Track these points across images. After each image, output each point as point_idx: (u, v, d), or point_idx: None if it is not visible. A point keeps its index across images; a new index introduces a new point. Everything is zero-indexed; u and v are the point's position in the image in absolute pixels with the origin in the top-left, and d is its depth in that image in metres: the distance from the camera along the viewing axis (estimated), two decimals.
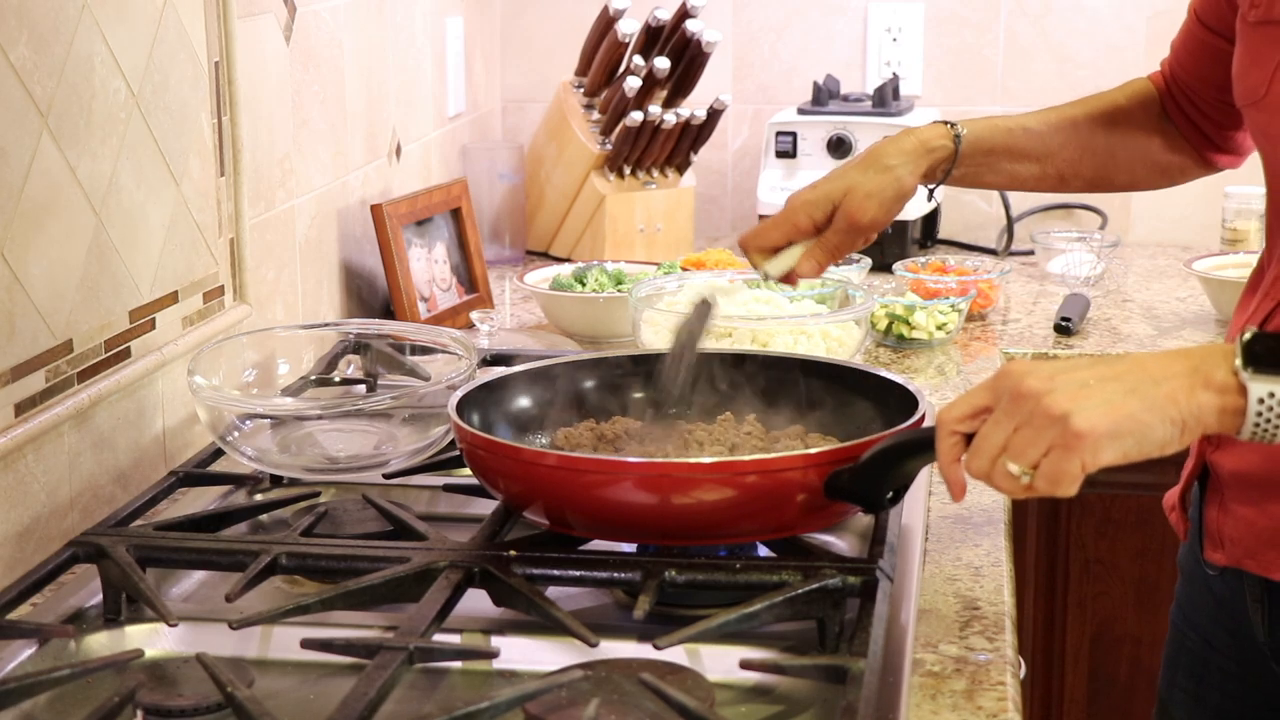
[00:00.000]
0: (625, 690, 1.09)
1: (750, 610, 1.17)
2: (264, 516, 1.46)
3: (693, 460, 1.26)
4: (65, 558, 1.29)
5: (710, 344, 1.83)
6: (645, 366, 1.51)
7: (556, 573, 1.25)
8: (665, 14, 2.52)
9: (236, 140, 1.75)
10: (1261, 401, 1.11)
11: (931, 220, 2.73)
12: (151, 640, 1.23)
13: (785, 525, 1.27)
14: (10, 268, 1.33)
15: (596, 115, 2.60)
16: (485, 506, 1.37)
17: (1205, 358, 1.13)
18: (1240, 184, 2.51)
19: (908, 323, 2.13)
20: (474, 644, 1.22)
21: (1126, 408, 1.10)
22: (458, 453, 1.50)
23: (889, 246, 2.54)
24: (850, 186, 1.54)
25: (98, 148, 1.47)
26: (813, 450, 1.30)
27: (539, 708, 1.06)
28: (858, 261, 2.30)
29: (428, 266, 2.27)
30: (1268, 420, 1.12)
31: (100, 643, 1.24)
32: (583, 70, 2.65)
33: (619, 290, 2.17)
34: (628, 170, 2.60)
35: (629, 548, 1.30)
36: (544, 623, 1.19)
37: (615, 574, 1.24)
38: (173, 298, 1.63)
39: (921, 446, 1.23)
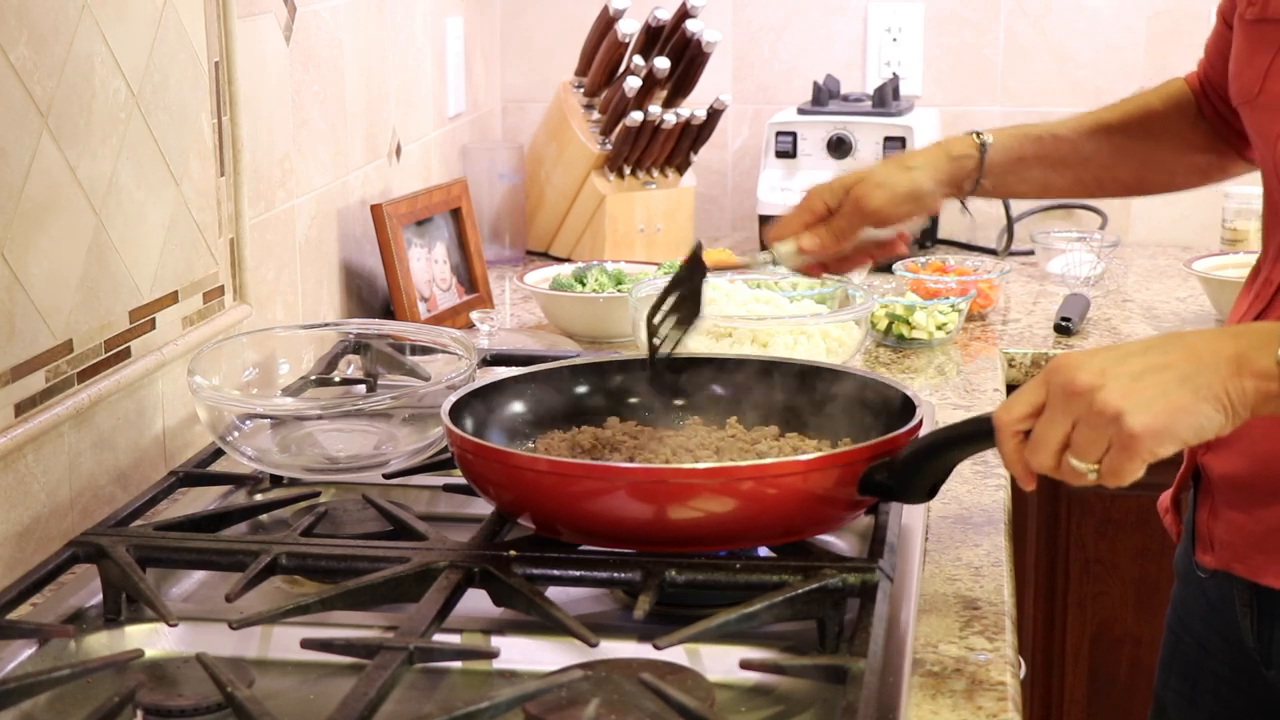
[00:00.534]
0: (625, 690, 1.09)
1: (750, 610, 1.17)
2: (264, 516, 1.46)
3: (688, 466, 1.26)
4: (65, 558, 1.29)
5: (708, 345, 1.83)
6: (644, 371, 1.50)
7: (556, 573, 1.25)
8: (665, 14, 2.52)
9: (236, 140, 1.75)
10: None
11: (932, 220, 2.73)
12: (151, 640, 1.23)
13: (786, 531, 1.26)
14: (10, 268, 1.33)
15: (596, 115, 2.60)
16: (485, 506, 1.37)
17: (1252, 341, 1.12)
18: (1240, 184, 2.51)
19: (908, 323, 2.13)
20: (474, 644, 1.22)
21: (1179, 400, 1.10)
22: None
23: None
24: (864, 176, 1.56)
25: (98, 148, 1.47)
26: (811, 456, 1.30)
27: (539, 708, 1.06)
28: None
29: (428, 266, 2.27)
30: None
31: (100, 643, 1.24)
32: (583, 70, 2.65)
33: (619, 290, 2.17)
34: (628, 170, 2.60)
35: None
36: (544, 623, 1.19)
37: (615, 574, 1.24)
38: (173, 298, 1.63)
39: (966, 440, 1.25)
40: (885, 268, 2.42)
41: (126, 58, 1.52)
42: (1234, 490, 1.41)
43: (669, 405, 1.50)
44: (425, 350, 1.70)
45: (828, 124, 2.62)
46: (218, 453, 1.57)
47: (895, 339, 2.14)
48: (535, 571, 1.24)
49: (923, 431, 1.30)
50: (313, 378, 1.68)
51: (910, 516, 1.42)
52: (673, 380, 1.50)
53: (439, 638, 1.17)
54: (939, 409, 1.85)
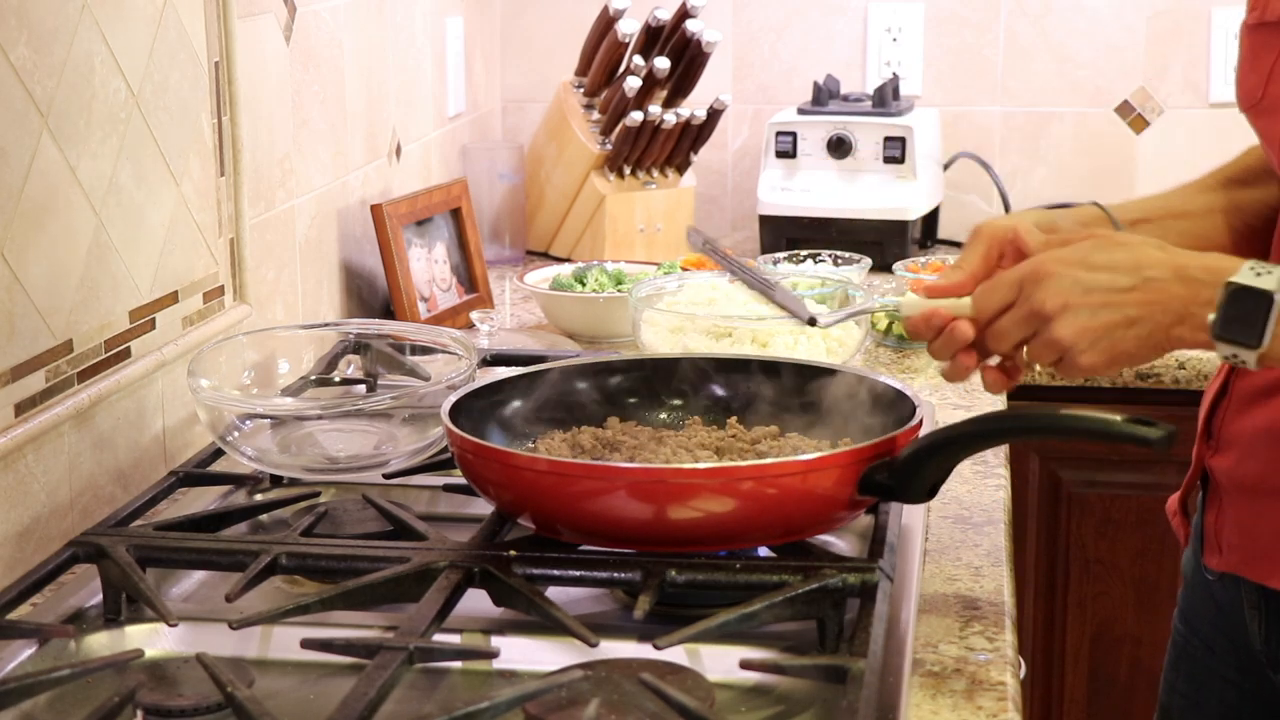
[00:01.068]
0: (625, 690, 1.09)
1: (750, 610, 1.17)
2: (264, 516, 1.46)
3: (688, 466, 1.26)
4: (65, 558, 1.29)
5: (707, 345, 1.83)
6: (644, 371, 1.51)
7: (556, 573, 1.25)
8: (665, 14, 2.52)
9: (236, 140, 1.75)
10: (1228, 358, 1.20)
11: (931, 220, 2.73)
12: (151, 640, 1.23)
13: (786, 531, 1.26)
14: (10, 268, 1.33)
15: (596, 115, 2.60)
16: (485, 506, 1.37)
17: (1198, 293, 1.19)
18: None
19: None
20: (474, 644, 1.22)
21: (1124, 347, 1.20)
22: None
23: (889, 246, 2.54)
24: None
25: (98, 148, 1.47)
26: (811, 456, 1.30)
27: (539, 708, 1.06)
28: (858, 262, 2.30)
29: (428, 266, 2.27)
30: (1234, 363, 1.20)
31: (100, 643, 1.24)
32: (583, 70, 2.65)
33: (619, 290, 2.17)
34: (628, 170, 2.60)
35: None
36: (544, 623, 1.19)
37: (615, 574, 1.24)
38: (173, 298, 1.63)
39: (966, 440, 1.28)
40: (885, 268, 2.43)
41: (126, 58, 1.52)
42: (1242, 493, 1.41)
43: (669, 405, 1.49)
44: (425, 350, 1.70)
45: (828, 124, 2.62)
46: (218, 453, 1.57)
47: (895, 339, 2.14)
48: (535, 571, 1.24)
49: (923, 431, 1.30)
50: (313, 378, 1.68)
51: (910, 516, 1.42)
52: (672, 380, 1.50)
53: (439, 638, 1.17)
54: (939, 409, 1.85)
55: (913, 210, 2.59)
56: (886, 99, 2.65)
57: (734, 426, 1.45)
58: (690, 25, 2.50)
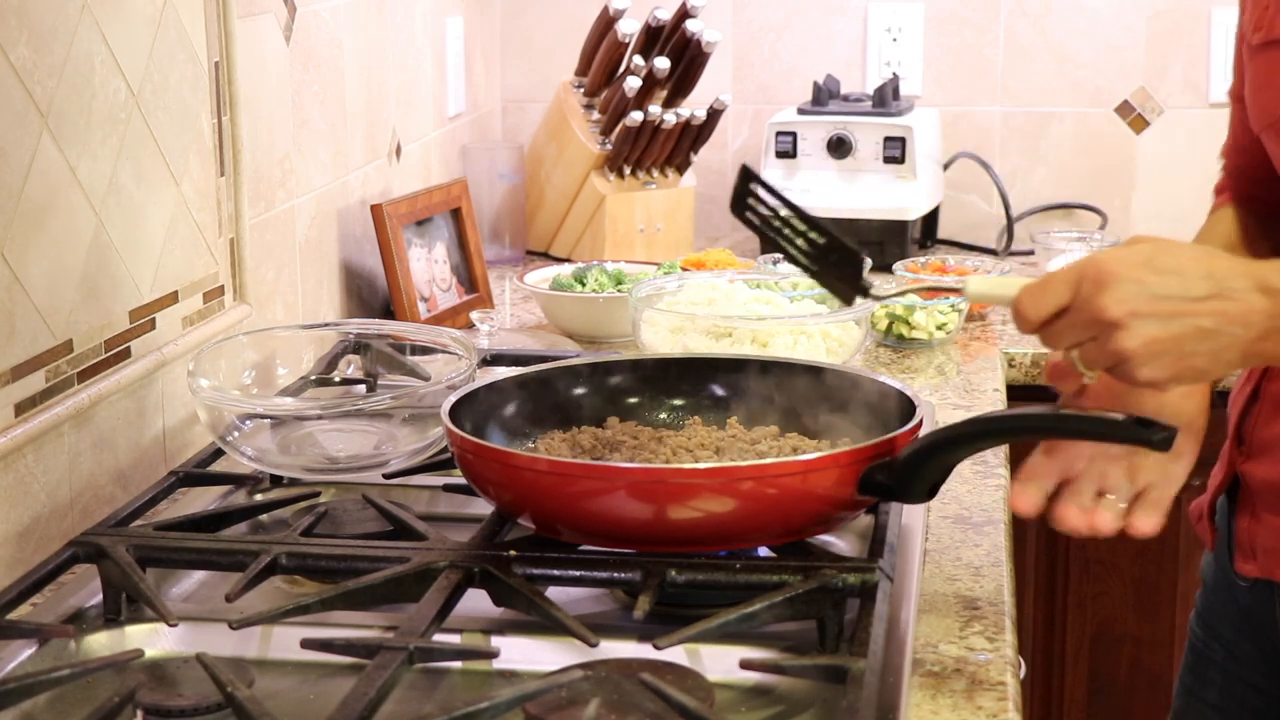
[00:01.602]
0: (625, 690, 1.09)
1: (750, 610, 1.17)
2: (264, 516, 1.46)
3: (688, 466, 1.26)
4: (65, 558, 1.29)
5: (707, 345, 1.83)
6: (644, 371, 1.51)
7: (556, 573, 1.25)
8: (665, 14, 2.52)
9: (236, 140, 1.75)
10: None
11: (931, 220, 2.73)
12: (151, 640, 1.23)
13: (786, 531, 1.26)
14: (10, 268, 1.33)
15: (596, 115, 2.60)
16: (485, 506, 1.37)
17: None
18: None
19: (908, 323, 2.13)
20: (474, 644, 1.22)
21: (1193, 364, 1.11)
22: None
23: (889, 246, 2.54)
24: None
25: (98, 148, 1.47)
26: (810, 456, 1.30)
27: (539, 708, 1.06)
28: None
29: (428, 266, 2.27)
30: None
31: (100, 643, 1.24)
32: (583, 70, 2.65)
33: (619, 290, 2.17)
34: (628, 170, 2.60)
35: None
36: (544, 623, 1.19)
37: (615, 574, 1.24)
38: (173, 298, 1.63)
39: (966, 440, 1.25)
40: (885, 268, 2.43)
41: (126, 58, 1.52)
42: (1276, 497, 1.39)
43: (669, 405, 1.50)
44: (425, 350, 1.70)
45: (828, 124, 2.62)
46: (218, 453, 1.57)
47: (895, 339, 2.14)
48: (535, 571, 1.24)
49: (923, 431, 1.30)
50: (313, 378, 1.68)
51: (910, 516, 1.42)
52: (672, 380, 1.50)
53: (439, 638, 1.17)
54: (939, 409, 1.85)
55: (913, 210, 2.59)
56: (886, 99, 2.65)
57: (734, 426, 1.46)
58: (690, 25, 2.50)
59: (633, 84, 2.48)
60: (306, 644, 1.15)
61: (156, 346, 1.59)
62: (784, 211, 1.26)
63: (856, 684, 1.07)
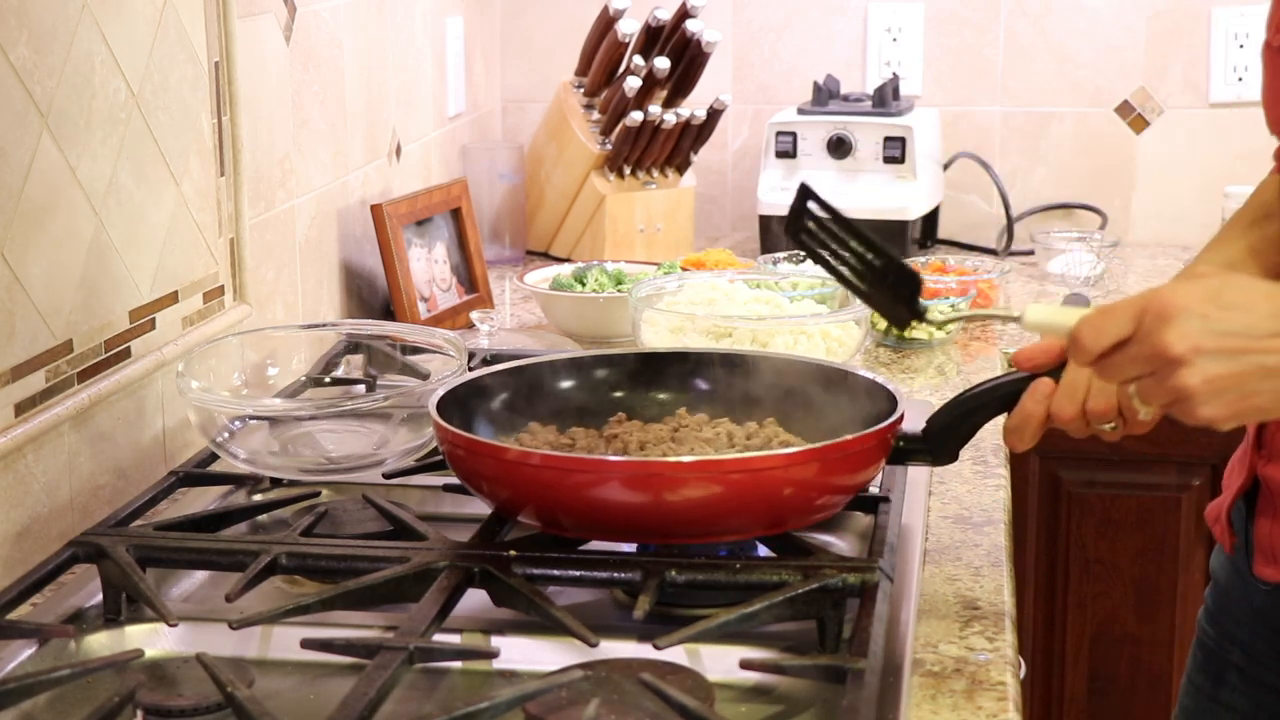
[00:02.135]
0: (625, 690, 1.09)
1: (750, 610, 1.17)
2: (264, 516, 1.46)
3: (674, 460, 1.26)
4: (65, 558, 1.29)
5: (707, 345, 1.83)
6: (634, 365, 1.51)
7: (556, 573, 1.25)
8: (665, 14, 2.52)
9: (236, 140, 1.75)
10: None
11: (931, 220, 2.73)
12: (151, 640, 1.23)
13: (776, 521, 1.27)
14: (10, 268, 1.33)
15: (596, 115, 2.60)
16: (485, 506, 1.37)
17: None
18: (1240, 184, 2.51)
19: None
20: (474, 644, 1.22)
21: (1256, 403, 1.08)
22: None
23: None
24: None
25: (98, 148, 1.47)
26: (795, 449, 1.31)
27: (539, 708, 1.06)
28: None
29: (428, 266, 2.27)
30: None
31: (100, 643, 1.24)
32: (583, 70, 2.65)
33: (619, 290, 2.17)
34: (628, 170, 2.60)
35: (629, 547, 1.30)
36: (544, 623, 1.19)
37: (615, 574, 1.24)
38: (173, 298, 1.63)
39: (1000, 402, 1.29)
40: None
41: (126, 58, 1.52)
42: None
43: (659, 400, 1.50)
44: (418, 351, 1.70)
45: (828, 124, 2.62)
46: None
47: (895, 339, 2.14)
48: (535, 571, 1.24)
49: (906, 424, 1.33)
50: (310, 378, 1.68)
51: (910, 516, 1.42)
52: (666, 375, 1.50)
53: (439, 638, 1.17)
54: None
55: (913, 210, 2.59)
56: (886, 99, 2.65)
57: (723, 422, 1.45)
58: (690, 25, 2.50)
59: (633, 84, 2.48)
60: (306, 644, 1.15)
61: (156, 346, 1.59)
62: (840, 232, 1.23)
63: (856, 684, 1.07)
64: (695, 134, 2.59)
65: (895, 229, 2.57)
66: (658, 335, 1.88)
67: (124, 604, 1.26)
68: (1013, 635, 1.25)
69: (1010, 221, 2.72)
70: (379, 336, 1.73)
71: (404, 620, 1.17)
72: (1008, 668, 1.19)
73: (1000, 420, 1.30)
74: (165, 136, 1.60)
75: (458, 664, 1.19)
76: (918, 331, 2.12)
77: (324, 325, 1.84)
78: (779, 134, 2.64)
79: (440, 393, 1.38)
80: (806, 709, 1.15)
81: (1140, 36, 2.79)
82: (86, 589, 1.29)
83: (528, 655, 1.20)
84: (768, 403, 1.47)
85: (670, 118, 2.51)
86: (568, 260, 2.54)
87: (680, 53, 2.52)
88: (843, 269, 1.23)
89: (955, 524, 1.49)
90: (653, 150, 2.57)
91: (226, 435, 1.51)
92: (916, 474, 1.52)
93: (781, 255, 2.36)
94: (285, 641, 1.21)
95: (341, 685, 1.08)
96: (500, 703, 1.03)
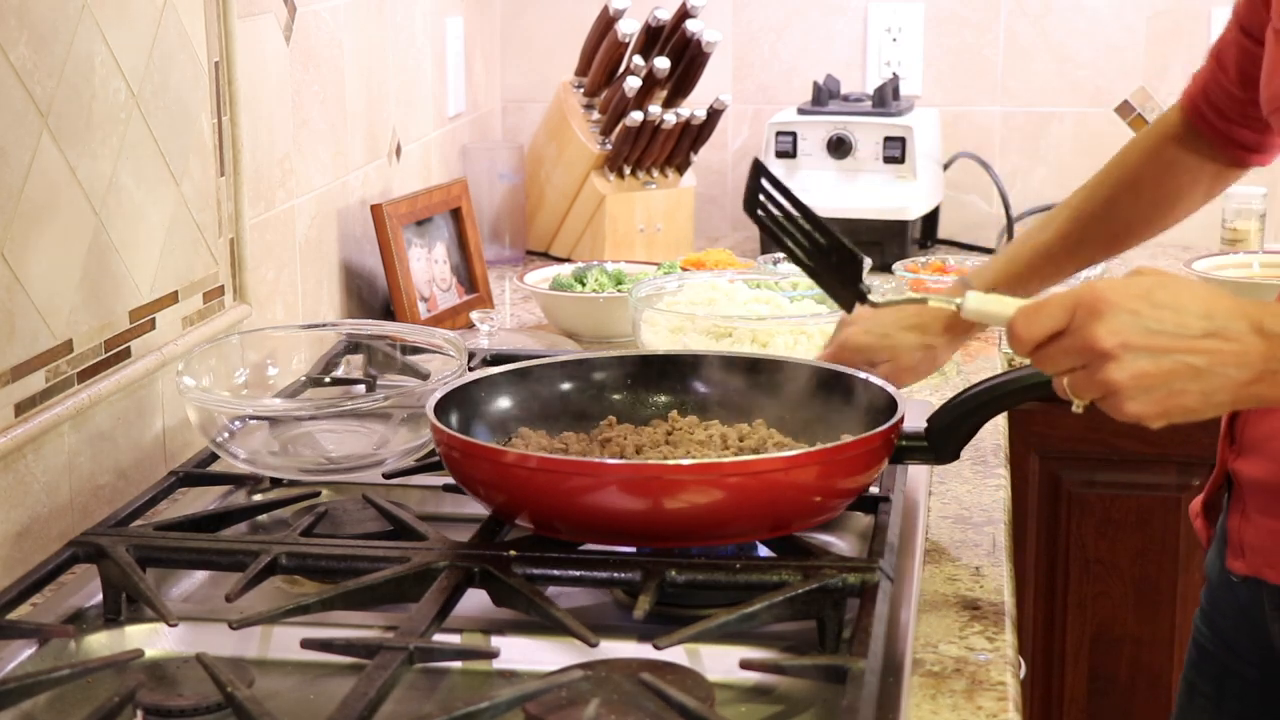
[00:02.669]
0: (625, 690, 1.09)
1: (750, 610, 1.17)
2: (264, 516, 1.46)
3: (673, 463, 1.26)
4: (65, 558, 1.29)
5: (707, 345, 1.84)
6: (633, 367, 1.51)
7: (556, 573, 1.25)
8: (665, 14, 2.52)
9: (236, 140, 1.75)
10: None
11: (931, 220, 2.73)
12: (151, 640, 1.23)
13: (778, 524, 1.27)
14: (10, 268, 1.33)
15: (596, 115, 2.60)
16: (485, 506, 1.37)
17: (1277, 349, 1.09)
18: (1240, 184, 2.51)
19: None
20: (474, 644, 1.22)
21: (1183, 402, 1.09)
22: None
23: (889, 246, 2.54)
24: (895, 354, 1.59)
25: (98, 148, 1.47)
26: (794, 453, 1.31)
27: (539, 708, 1.06)
28: None
29: (428, 266, 2.27)
30: None
31: (100, 643, 1.24)
32: (583, 70, 2.65)
33: (619, 290, 2.17)
34: (628, 170, 2.60)
35: (628, 547, 1.30)
36: (544, 623, 1.19)
37: (615, 574, 1.24)
38: (173, 298, 1.63)
39: (1000, 401, 1.33)
40: (885, 268, 2.43)
41: (126, 58, 1.52)
42: (1265, 496, 1.40)
43: (657, 402, 1.50)
44: (417, 350, 1.70)
45: (828, 124, 2.62)
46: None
47: None
48: (535, 571, 1.24)
49: (906, 424, 1.34)
50: (310, 378, 1.68)
51: (910, 516, 1.42)
52: (662, 376, 1.51)
53: (439, 638, 1.17)
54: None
55: (913, 210, 2.59)
56: (886, 99, 2.65)
57: (725, 425, 1.45)
58: (690, 25, 2.50)
59: (633, 84, 2.48)
60: (306, 644, 1.15)
61: (156, 346, 1.59)
62: (790, 209, 1.27)
63: (856, 684, 1.07)
64: (695, 134, 2.59)
65: (895, 229, 2.57)
66: (658, 335, 1.88)
67: (124, 604, 1.26)
68: (1013, 635, 1.25)
69: (1010, 221, 2.72)
70: (379, 336, 1.73)
71: (404, 620, 1.17)
72: (1008, 668, 1.19)
73: (1000, 420, 1.31)
74: (165, 136, 1.60)
75: (458, 664, 1.19)
76: None
77: (324, 325, 1.84)
78: (779, 134, 2.64)
79: (439, 394, 1.38)
80: (806, 709, 1.15)
81: (1140, 36, 2.79)
82: (86, 589, 1.29)
83: (528, 655, 1.20)
84: (762, 404, 1.47)
85: (670, 118, 2.51)
86: (568, 260, 2.54)
87: (680, 53, 2.52)
88: (794, 247, 1.28)
89: (955, 524, 1.49)
90: (653, 150, 2.57)
91: (226, 435, 1.51)
92: (916, 474, 1.52)
93: (781, 255, 2.36)
94: (285, 641, 1.21)
95: (341, 685, 1.08)
96: (500, 703, 1.03)
